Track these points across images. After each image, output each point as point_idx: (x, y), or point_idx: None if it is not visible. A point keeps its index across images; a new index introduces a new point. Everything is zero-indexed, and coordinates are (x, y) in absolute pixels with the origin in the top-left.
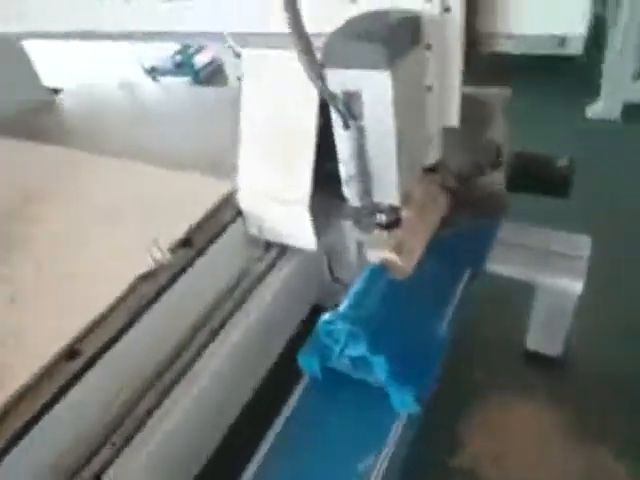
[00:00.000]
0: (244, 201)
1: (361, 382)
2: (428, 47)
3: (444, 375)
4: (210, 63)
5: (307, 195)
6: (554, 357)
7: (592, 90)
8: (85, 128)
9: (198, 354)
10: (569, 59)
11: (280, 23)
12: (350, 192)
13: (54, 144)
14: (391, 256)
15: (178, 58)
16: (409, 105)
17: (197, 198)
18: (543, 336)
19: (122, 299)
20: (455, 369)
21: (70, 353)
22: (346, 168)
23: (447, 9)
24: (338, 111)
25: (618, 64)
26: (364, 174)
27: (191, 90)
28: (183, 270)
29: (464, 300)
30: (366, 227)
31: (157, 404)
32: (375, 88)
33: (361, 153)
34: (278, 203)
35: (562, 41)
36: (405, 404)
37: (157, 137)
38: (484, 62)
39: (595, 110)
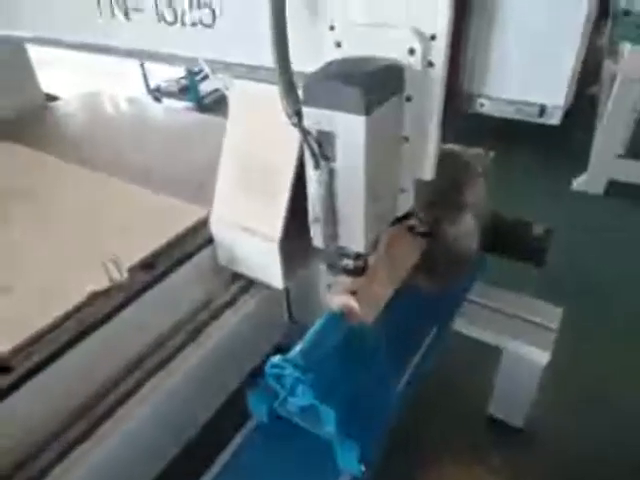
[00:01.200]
0: (216, 229)
1: (310, 433)
2: (408, 98)
3: (398, 435)
4: (215, 91)
5: (279, 232)
6: (516, 427)
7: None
8: (75, 138)
9: (142, 382)
10: (564, 131)
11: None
12: (315, 233)
13: (38, 149)
14: (351, 303)
15: (183, 82)
16: (383, 153)
17: (169, 221)
18: (506, 404)
19: (67, 316)
20: (410, 429)
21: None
22: (313, 208)
23: (430, 63)
24: (310, 150)
25: (606, 142)
26: (331, 217)
27: (192, 115)
28: (140, 293)
29: (427, 357)
30: (339, 272)
31: (89, 432)
32: (349, 132)
33: (329, 195)
34: (250, 235)
35: (542, 110)
36: (349, 463)
37: (147, 157)
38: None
39: (580, 183)
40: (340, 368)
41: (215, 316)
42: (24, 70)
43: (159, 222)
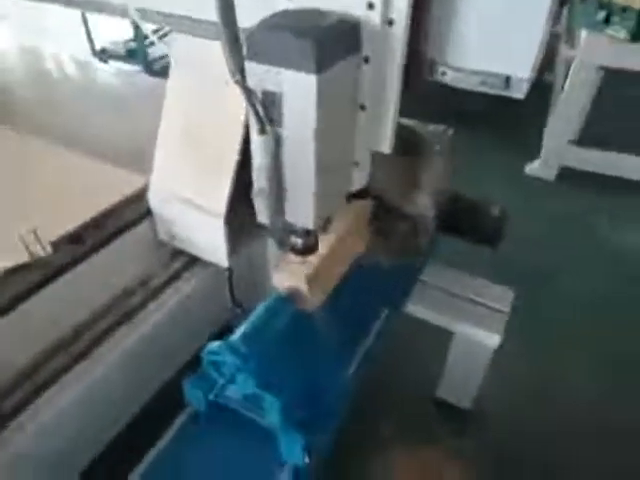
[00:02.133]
0: (155, 201)
1: (251, 422)
2: (366, 60)
3: (347, 424)
4: (165, 56)
5: (225, 206)
6: (463, 409)
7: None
8: (5, 97)
9: (65, 369)
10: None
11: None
12: (259, 207)
13: None
14: (300, 285)
15: (131, 45)
16: (336, 120)
17: (104, 190)
18: (455, 386)
19: None
20: (361, 416)
21: None
22: (257, 179)
23: (390, 22)
24: (255, 112)
25: (559, 128)
26: (276, 189)
27: (139, 78)
28: (66, 268)
29: (378, 341)
30: (288, 250)
31: (13, 414)
32: (298, 92)
33: (275, 164)
34: (193, 209)
35: (507, 82)
36: (293, 454)
37: (87, 121)
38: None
39: (533, 169)
40: (285, 354)
41: (152, 297)
42: None
43: (93, 191)
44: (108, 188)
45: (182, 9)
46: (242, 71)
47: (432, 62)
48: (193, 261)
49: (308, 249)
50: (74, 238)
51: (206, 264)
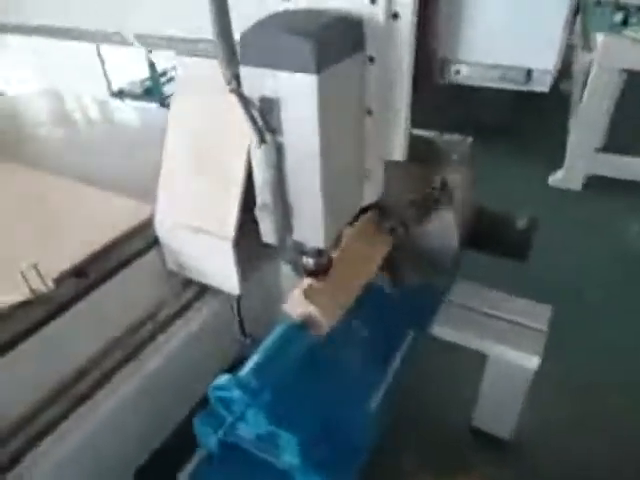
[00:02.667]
0: (162, 230)
1: (266, 463)
2: (371, 59)
3: (374, 450)
4: None
5: (233, 229)
6: (503, 439)
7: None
8: (22, 137)
9: (67, 414)
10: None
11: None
12: (264, 225)
13: None
14: (313, 310)
15: (147, 84)
16: (341, 126)
17: (111, 221)
18: (491, 414)
19: None
20: (387, 443)
21: None
22: (260, 194)
23: (395, 15)
24: (252, 122)
25: (583, 136)
26: (281, 204)
27: (155, 112)
28: (68, 305)
29: (403, 367)
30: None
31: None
32: (298, 96)
33: (278, 177)
34: (200, 235)
35: (528, 75)
36: None
37: (104, 156)
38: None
39: (556, 179)
40: (300, 387)
41: (161, 330)
42: None
43: (99, 222)
44: (116, 218)
45: (180, 30)
46: (237, 77)
47: (444, 61)
48: (203, 291)
49: (321, 269)
50: (78, 271)
51: (217, 293)
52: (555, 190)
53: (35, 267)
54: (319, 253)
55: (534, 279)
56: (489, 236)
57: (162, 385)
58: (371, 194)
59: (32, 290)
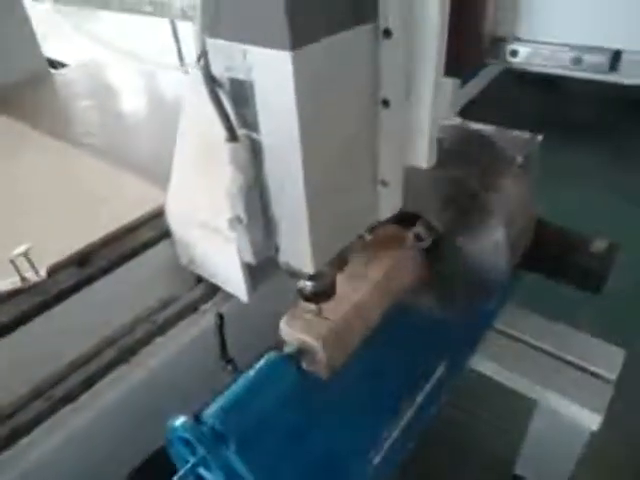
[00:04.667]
0: (174, 223)
1: None
2: (386, 33)
3: None
4: None
5: None
6: None
7: None
8: (68, 110)
9: (47, 415)
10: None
11: None
12: (240, 240)
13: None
14: (313, 342)
15: None
16: (339, 120)
17: (122, 207)
18: (538, 466)
19: None
20: None
21: None
22: (232, 204)
23: None
24: (220, 111)
25: None
26: (260, 218)
27: None
28: (66, 295)
29: (428, 407)
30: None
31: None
32: (272, 79)
33: (254, 183)
34: (208, 232)
35: (614, 60)
36: None
37: (141, 133)
38: None
39: None
40: (284, 436)
41: (161, 331)
42: (21, 30)
43: (109, 207)
44: (127, 204)
45: None
46: (206, 54)
47: (493, 38)
48: (213, 292)
49: (320, 294)
50: (79, 261)
51: (228, 296)
52: None
53: (26, 254)
54: (315, 276)
55: (605, 312)
56: (555, 258)
57: (160, 387)
58: (388, 207)
59: (23, 279)
